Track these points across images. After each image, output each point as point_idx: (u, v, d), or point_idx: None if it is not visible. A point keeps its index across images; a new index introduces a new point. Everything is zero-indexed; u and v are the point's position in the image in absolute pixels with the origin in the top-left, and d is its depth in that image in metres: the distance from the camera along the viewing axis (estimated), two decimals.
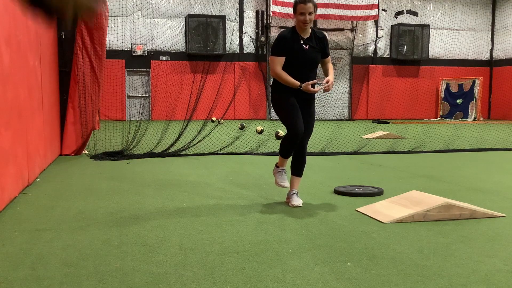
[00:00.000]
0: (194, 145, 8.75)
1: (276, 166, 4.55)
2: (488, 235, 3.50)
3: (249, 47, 22.99)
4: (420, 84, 24.67)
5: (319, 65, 4.46)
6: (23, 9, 1.09)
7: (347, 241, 3.32)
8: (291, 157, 4.49)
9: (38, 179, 5.66)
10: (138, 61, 21.76)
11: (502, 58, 25.28)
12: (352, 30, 23.80)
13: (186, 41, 22.02)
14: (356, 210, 4.22)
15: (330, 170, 6.79)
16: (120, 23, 20.94)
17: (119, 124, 12.93)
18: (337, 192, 5.00)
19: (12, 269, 2.74)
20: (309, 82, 4.19)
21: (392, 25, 24.31)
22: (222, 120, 14.20)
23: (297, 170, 4.53)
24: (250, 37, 22.97)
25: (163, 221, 3.82)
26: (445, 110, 24.48)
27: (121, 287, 2.50)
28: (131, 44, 21.58)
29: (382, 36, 24.38)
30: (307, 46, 4.28)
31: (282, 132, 11.15)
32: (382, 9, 24.06)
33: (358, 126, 15.22)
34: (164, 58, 22.00)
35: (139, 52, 21.70)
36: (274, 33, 22.44)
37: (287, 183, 4.50)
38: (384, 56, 24.52)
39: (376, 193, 4.93)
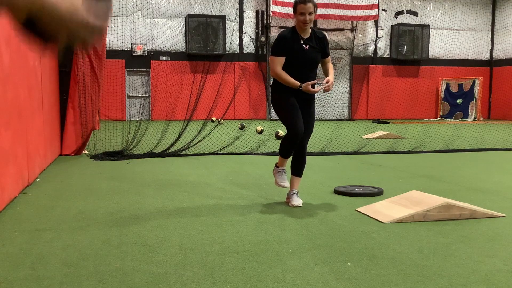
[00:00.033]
0: (194, 145, 8.75)
1: (276, 166, 4.55)
2: (488, 235, 3.50)
3: (249, 47, 22.99)
4: (420, 84, 24.68)
5: (319, 65, 4.46)
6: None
7: (347, 241, 3.32)
8: (291, 157, 4.49)
9: (38, 179, 5.66)
10: (138, 61, 21.77)
11: (502, 58, 25.29)
12: (352, 30, 23.81)
13: (186, 41, 22.03)
14: (356, 210, 4.22)
15: (330, 170, 6.79)
16: (120, 23, 20.94)
17: (119, 124, 12.93)
18: (337, 192, 5.00)
19: (12, 269, 2.74)
20: (309, 82, 4.20)
21: (392, 25, 24.32)
22: (222, 120, 14.20)
23: (297, 170, 4.53)
24: (250, 37, 22.97)
25: (163, 221, 3.82)
26: (445, 110, 24.48)
27: (121, 287, 2.50)
28: (131, 44, 21.59)
29: (382, 36, 24.39)
30: (307, 46, 4.28)
31: (282, 132, 11.15)
32: (382, 9, 24.07)
33: (358, 126, 15.22)
34: (164, 58, 22.00)
35: (139, 52, 21.70)
36: (274, 33, 22.44)
37: (287, 183, 4.50)
38: (384, 56, 24.52)
39: (376, 193, 4.93)
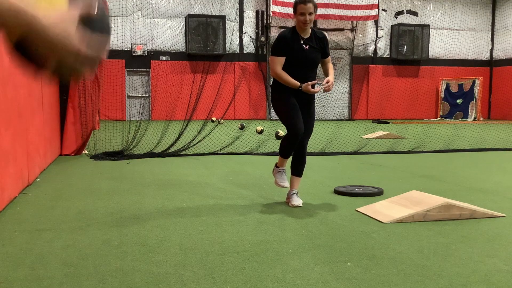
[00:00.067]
0: (194, 145, 8.75)
1: (276, 166, 4.55)
2: (488, 235, 3.50)
3: (249, 47, 22.99)
4: (420, 84, 24.68)
5: (319, 65, 4.46)
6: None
7: (347, 241, 3.32)
8: (291, 157, 4.49)
9: (38, 179, 5.66)
10: (138, 61, 21.76)
11: (502, 58, 25.29)
12: (352, 30, 23.80)
13: (186, 41, 22.03)
14: (356, 210, 4.22)
15: (330, 170, 6.79)
16: (120, 23, 20.93)
17: (119, 124, 12.93)
18: (337, 192, 5.00)
19: (12, 269, 2.74)
20: (309, 83, 4.20)
21: (392, 25, 24.31)
22: (222, 120, 14.20)
23: (297, 170, 4.53)
24: (250, 37, 22.97)
25: (163, 221, 3.82)
26: (445, 110, 24.48)
27: (121, 287, 2.50)
28: (131, 44, 21.58)
29: (382, 36, 24.39)
30: (307, 46, 4.28)
31: (282, 132, 11.15)
32: (382, 9, 24.06)
33: (358, 126, 15.22)
34: (164, 58, 22.00)
35: (139, 52, 21.70)
36: (274, 33, 22.44)
37: (287, 183, 4.50)
38: (384, 56, 24.52)
39: (376, 193, 4.93)
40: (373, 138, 11.99)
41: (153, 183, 5.59)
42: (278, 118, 4.47)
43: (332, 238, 3.39)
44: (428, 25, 24.44)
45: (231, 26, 22.27)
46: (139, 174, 6.20)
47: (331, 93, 22.06)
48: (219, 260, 2.91)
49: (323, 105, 22.88)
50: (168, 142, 8.77)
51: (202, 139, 8.92)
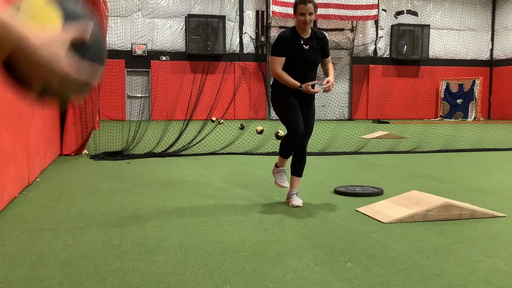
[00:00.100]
0: (194, 145, 8.75)
1: (276, 166, 4.55)
2: (488, 235, 3.50)
3: (249, 47, 22.99)
4: (420, 84, 24.68)
5: (319, 65, 4.46)
6: None
7: (347, 241, 3.32)
8: (291, 157, 4.49)
9: (38, 179, 5.66)
10: (138, 61, 21.76)
11: (502, 58, 25.29)
12: (352, 30, 23.81)
13: (186, 41, 22.03)
14: (356, 210, 4.22)
15: (330, 170, 6.79)
16: (120, 23, 20.94)
17: (119, 124, 12.93)
18: (337, 192, 5.00)
19: (12, 269, 2.74)
20: (309, 83, 4.20)
21: (392, 25, 24.32)
22: (222, 120, 14.20)
23: (297, 170, 4.53)
24: (250, 37, 22.97)
25: (163, 221, 3.82)
26: (445, 110, 24.48)
27: (121, 287, 2.50)
28: (131, 44, 21.58)
29: (382, 36, 24.39)
30: (307, 46, 4.28)
31: (282, 132, 11.15)
32: (382, 9, 24.07)
33: (358, 126, 15.22)
34: (164, 58, 22.00)
35: (139, 52, 21.70)
36: (274, 33, 22.44)
37: (286, 183, 4.50)
38: (384, 56, 24.52)
39: (376, 193, 4.93)
40: (373, 138, 11.99)
41: (153, 183, 5.59)
42: (278, 118, 4.47)
43: (332, 238, 3.39)
44: (428, 25, 24.44)
45: (231, 26, 22.27)
46: (139, 174, 6.20)
47: (331, 93, 22.06)
48: (219, 260, 2.91)
49: (323, 105, 22.88)
50: (168, 142, 8.77)
51: (202, 139, 8.92)
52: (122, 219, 3.90)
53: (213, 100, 9.83)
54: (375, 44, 24.34)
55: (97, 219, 3.87)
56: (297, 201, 4.41)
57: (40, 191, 5.02)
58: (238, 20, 22.72)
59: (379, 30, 24.30)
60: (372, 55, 24.34)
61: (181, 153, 8.28)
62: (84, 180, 5.72)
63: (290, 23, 21.66)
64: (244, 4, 22.72)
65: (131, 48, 21.61)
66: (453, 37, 24.98)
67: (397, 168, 7.03)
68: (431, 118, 24.66)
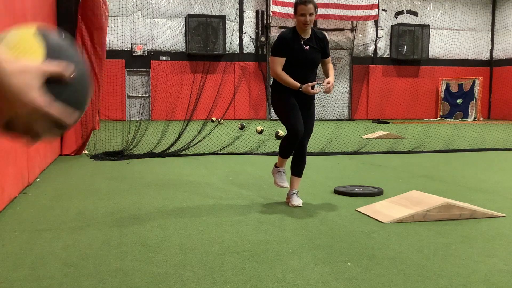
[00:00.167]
0: (194, 145, 8.75)
1: (275, 166, 4.55)
2: (488, 235, 3.50)
3: (249, 47, 22.99)
4: (420, 84, 24.68)
5: (319, 65, 4.46)
6: None
7: (347, 241, 3.32)
8: (291, 157, 4.49)
9: (38, 179, 5.66)
10: (138, 61, 21.76)
11: (502, 58, 25.28)
12: (352, 30, 23.81)
13: (186, 41, 22.03)
14: (356, 210, 4.22)
15: (330, 170, 6.79)
16: (120, 23, 20.94)
17: (119, 124, 12.93)
18: (337, 192, 5.00)
19: (12, 269, 2.74)
20: (309, 84, 4.19)
21: (392, 25, 24.32)
22: (222, 120, 14.20)
23: (297, 170, 4.53)
24: (250, 37, 22.97)
25: (163, 221, 3.82)
26: (445, 110, 24.48)
27: (121, 287, 2.50)
28: (131, 44, 21.58)
29: (382, 36, 24.39)
30: (307, 46, 4.28)
31: (282, 132, 11.15)
32: (382, 9, 24.07)
33: (358, 126, 15.22)
34: (164, 58, 22.00)
35: (139, 52, 21.70)
36: (274, 33, 22.44)
37: (286, 184, 4.50)
38: (384, 56, 24.52)
39: (376, 193, 4.93)
40: (373, 138, 11.99)
41: (153, 183, 5.59)
42: (278, 118, 4.47)
43: (332, 238, 3.39)
44: (428, 25, 24.45)
45: (231, 26, 22.27)
46: (139, 174, 6.20)
47: (331, 93, 22.04)
48: (219, 260, 2.91)
49: (323, 105, 22.88)
50: (168, 142, 8.77)
51: (202, 139, 8.92)
52: (122, 219, 3.90)
53: (213, 100, 9.82)
54: (375, 44, 24.34)
55: (97, 219, 3.87)
56: (297, 201, 4.41)
57: (40, 191, 5.02)
58: (238, 20, 22.72)
59: (379, 30, 24.30)
60: (372, 55, 24.34)
61: (181, 153, 8.28)
62: (84, 180, 5.72)
63: (290, 23, 21.66)
64: (244, 4, 22.72)
65: (131, 48, 21.61)
66: (453, 37, 24.98)
67: (397, 168, 7.03)
68: (431, 118, 24.66)
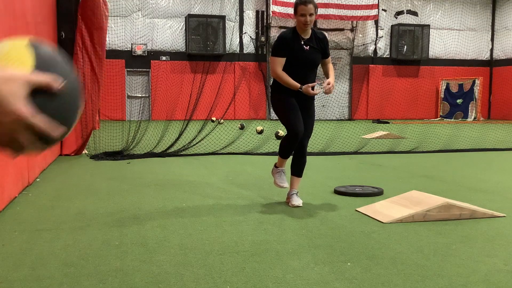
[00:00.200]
0: (194, 145, 8.75)
1: (275, 166, 4.55)
2: (488, 235, 3.50)
3: (249, 47, 22.99)
4: (420, 84, 24.68)
5: (319, 65, 4.46)
6: None
7: (347, 241, 3.32)
8: (291, 157, 4.49)
9: (38, 179, 5.66)
10: (138, 61, 21.76)
11: (502, 58, 25.29)
12: (352, 30, 23.81)
13: (186, 41, 22.03)
14: (356, 210, 4.22)
15: (330, 170, 6.79)
16: (120, 23, 20.93)
17: (119, 124, 12.92)
18: (337, 192, 5.00)
19: (12, 269, 2.74)
20: (309, 85, 4.19)
21: (392, 25, 24.32)
22: (222, 120, 14.20)
23: (297, 170, 4.53)
24: (250, 37, 22.97)
25: (163, 221, 3.82)
26: (445, 110, 24.48)
27: (121, 287, 2.50)
28: (131, 44, 21.58)
29: (382, 36, 24.39)
30: (308, 46, 4.28)
31: (282, 132, 11.15)
32: (382, 9, 24.07)
33: (358, 126, 15.22)
34: (164, 58, 22.00)
35: (139, 52, 21.70)
36: (274, 33, 22.44)
37: (286, 184, 4.50)
38: (384, 56, 24.52)
39: (376, 193, 4.93)
40: (373, 138, 11.99)
41: (153, 183, 5.59)
42: (278, 118, 4.47)
43: (332, 238, 3.39)
44: (428, 25, 24.45)
45: (231, 26, 22.27)
46: (139, 174, 6.20)
47: (331, 93, 22.03)
48: (219, 260, 2.91)
49: (323, 105, 22.88)
50: (168, 142, 8.77)
51: (202, 139, 8.92)
52: (122, 219, 3.90)
53: (213, 100, 9.82)
54: (375, 44, 24.34)
55: (97, 219, 3.87)
56: (297, 201, 4.41)
57: (40, 191, 5.02)
58: (238, 20, 22.72)
59: (379, 30, 24.30)
60: (372, 55, 24.34)
61: (181, 153, 8.28)
62: (84, 180, 5.72)
63: (290, 23, 21.66)
64: (244, 4, 22.72)
65: (131, 48, 21.61)
66: (453, 37, 24.98)
67: (397, 168, 7.03)
68: (431, 118, 24.66)
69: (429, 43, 24.49)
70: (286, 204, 4.46)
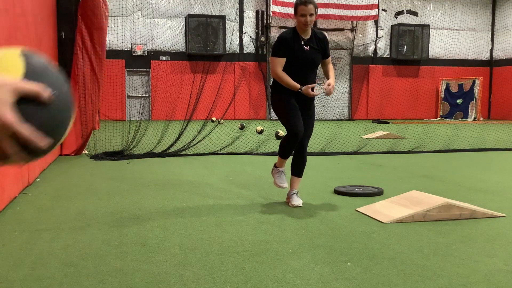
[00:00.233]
0: (194, 145, 8.75)
1: (275, 166, 4.55)
2: (488, 235, 3.50)
3: (249, 47, 22.99)
4: (420, 84, 24.68)
5: (319, 66, 4.46)
6: None
7: (347, 241, 3.32)
8: (291, 157, 4.49)
9: (38, 179, 5.66)
10: (138, 61, 21.76)
11: (502, 58, 25.29)
12: (352, 30, 23.81)
13: (186, 41, 22.03)
14: (356, 210, 4.22)
15: (330, 170, 6.79)
16: (120, 23, 20.93)
17: (119, 124, 12.92)
18: (337, 192, 5.00)
19: (12, 269, 2.74)
20: (309, 86, 4.19)
21: (392, 25, 24.32)
22: (222, 120, 14.20)
23: (297, 170, 4.52)
24: (250, 37, 22.97)
25: (163, 221, 3.82)
26: (445, 110, 24.48)
27: (121, 287, 2.50)
28: (131, 44, 21.59)
29: (382, 36, 24.39)
30: (308, 47, 4.28)
31: (282, 132, 11.15)
32: (382, 9, 24.07)
33: (358, 126, 15.22)
34: (164, 58, 22.00)
35: (139, 52, 21.70)
36: (274, 33, 22.45)
37: (286, 184, 4.50)
38: (384, 56, 24.52)
39: (376, 193, 4.93)
40: (373, 138, 11.99)
41: (153, 183, 5.59)
42: (278, 118, 4.47)
43: (332, 238, 3.39)
44: (428, 25, 24.45)
45: (231, 26, 22.27)
46: (139, 174, 6.20)
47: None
48: (219, 260, 2.91)
49: (323, 105, 22.88)
50: (168, 142, 8.77)
51: (202, 139, 8.92)
52: (122, 219, 3.90)
53: (213, 100, 9.82)
54: (375, 44, 24.34)
55: (97, 219, 3.87)
56: (297, 201, 4.40)
57: (40, 191, 5.02)
58: (238, 20, 22.72)
59: (379, 30, 24.30)
60: (372, 55, 24.34)
61: (181, 153, 8.28)
62: (84, 180, 5.72)
63: (290, 23, 21.67)
64: (244, 4, 22.72)
65: (131, 48, 21.61)
66: (453, 37, 24.99)
67: (397, 168, 7.03)
68: (431, 118, 24.66)
69: (429, 43, 24.50)
70: (286, 204, 4.46)
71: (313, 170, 6.47)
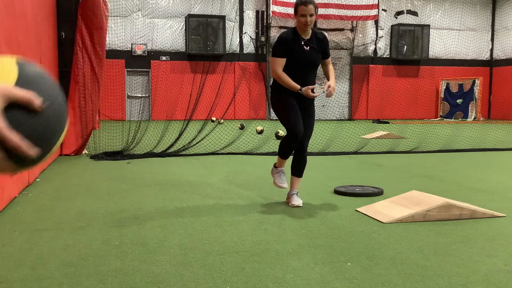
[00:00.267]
0: (194, 145, 8.75)
1: (275, 166, 4.55)
2: (488, 235, 3.50)
3: (249, 47, 23.00)
4: (420, 84, 24.68)
5: (319, 66, 4.46)
6: None
7: (347, 241, 3.32)
8: (291, 157, 4.49)
9: (38, 179, 5.66)
10: (138, 61, 21.76)
11: (502, 58, 25.29)
12: (352, 30, 23.81)
13: (186, 41, 22.03)
14: (356, 210, 4.22)
15: (330, 170, 6.79)
16: (120, 23, 20.94)
17: (119, 124, 12.92)
18: (337, 192, 5.00)
19: (12, 269, 2.74)
20: (309, 87, 4.19)
21: (392, 25, 24.32)
22: (222, 120, 14.20)
23: (297, 170, 4.52)
24: (250, 37, 22.97)
25: (163, 221, 3.82)
26: (445, 110, 24.49)
27: (121, 287, 2.50)
28: (131, 44, 21.59)
29: (382, 36, 24.39)
30: (308, 47, 4.28)
31: (282, 132, 11.15)
32: (382, 9, 24.07)
33: (358, 126, 15.22)
34: (164, 58, 22.00)
35: (139, 52, 21.70)
36: (274, 33, 22.45)
37: (285, 184, 4.50)
38: (384, 56, 24.52)
39: (376, 193, 4.93)
40: (373, 138, 11.99)
41: (153, 183, 5.59)
42: (278, 118, 4.47)
43: (332, 238, 3.39)
44: (428, 25, 24.45)
45: (231, 26, 22.27)
46: (139, 174, 6.20)
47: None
48: (219, 260, 2.91)
49: (323, 105, 22.89)
50: (168, 142, 8.77)
51: (202, 139, 8.92)
52: (122, 219, 3.90)
53: (213, 100, 9.82)
54: (375, 44, 24.34)
55: (97, 219, 3.87)
56: (297, 201, 4.40)
57: (40, 191, 5.02)
58: (238, 20, 22.72)
59: (379, 30, 24.30)
60: (372, 55, 24.35)
61: (181, 153, 8.28)
62: (84, 180, 5.72)
63: (290, 23, 21.67)
64: (244, 4, 22.72)
65: (131, 48, 21.61)
66: (453, 37, 24.99)
67: (397, 168, 7.03)
68: (431, 118, 24.66)
69: (429, 43, 24.50)
70: (286, 204, 4.46)
71: (313, 170, 6.47)
